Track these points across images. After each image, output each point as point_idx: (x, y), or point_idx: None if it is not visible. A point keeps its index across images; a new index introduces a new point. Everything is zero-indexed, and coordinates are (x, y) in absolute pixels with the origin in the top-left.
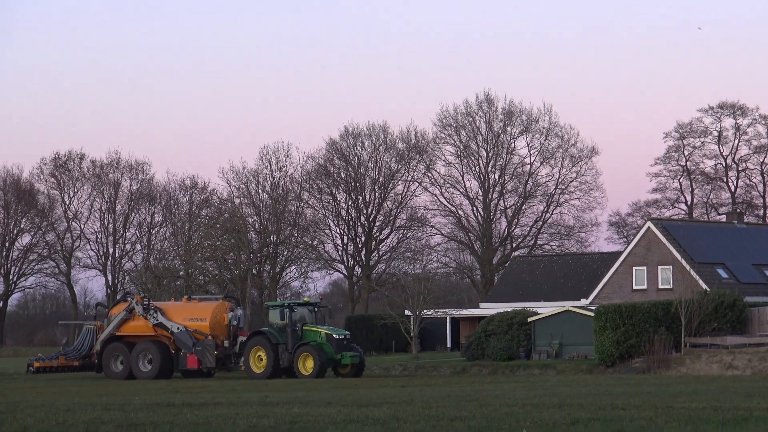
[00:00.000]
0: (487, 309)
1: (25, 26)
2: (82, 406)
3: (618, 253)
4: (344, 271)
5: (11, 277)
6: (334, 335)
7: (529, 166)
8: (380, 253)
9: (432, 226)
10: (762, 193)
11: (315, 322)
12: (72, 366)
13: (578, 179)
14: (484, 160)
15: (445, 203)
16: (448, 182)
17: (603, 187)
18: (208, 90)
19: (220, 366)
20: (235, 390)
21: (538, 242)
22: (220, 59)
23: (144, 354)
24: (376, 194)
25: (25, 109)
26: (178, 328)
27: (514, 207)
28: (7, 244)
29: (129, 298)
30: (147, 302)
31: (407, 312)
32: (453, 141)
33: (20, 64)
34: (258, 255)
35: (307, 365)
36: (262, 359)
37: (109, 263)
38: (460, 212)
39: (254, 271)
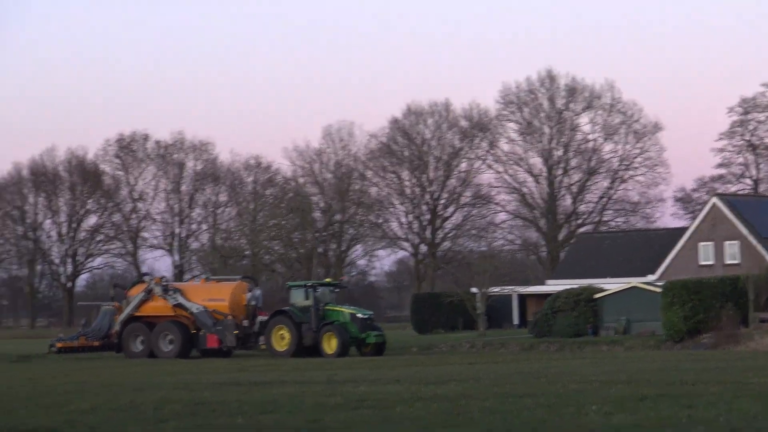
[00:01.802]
0: (554, 286)
1: (88, 9)
2: (150, 385)
3: (684, 229)
4: (410, 249)
5: (79, 257)
6: (359, 315)
7: (592, 143)
8: (445, 230)
9: (496, 204)
10: None
11: (335, 301)
12: (92, 346)
13: (642, 155)
14: (548, 137)
15: (509, 180)
16: (511, 159)
17: (667, 162)
18: (271, 70)
19: (240, 345)
20: (300, 369)
21: (604, 218)
22: (284, 38)
23: (165, 334)
24: (440, 172)
25: (90, 91)
26: (197, 309)
27: (578, 183)
28: (74, 225)
29: (147, 279)
30: (166, 283)
31: (473, 289)
32: (516, 118)
33: (84, 46)
34: (323, 234)
35: (331, 344)
36: (284, 338)
37: (175, 243)
38: (525, 189)
39: (320, 250)
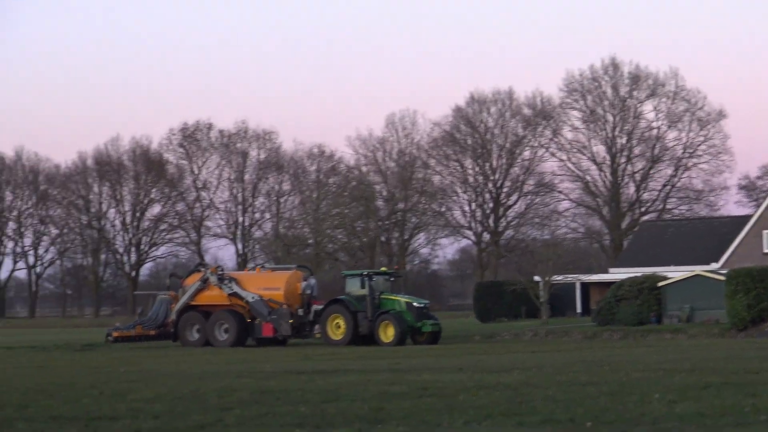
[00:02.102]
0: (617, 274)
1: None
2: (214, 374)
3: (748, 217)
4: (472, 238)
5: (143, 247)
6: (414, 304)
7: (656, 130)
8: (508, 219)
9: (560, 192)
10: None
11: (390, 290)
12: (149, 335)
13: (706, 143)
14: (611, 125)
15: (573, 168)
16: (574, 147)
17: (731, 150)
18: (334, 58)
19: (294, 334)
20: (362, 357)
21: (667, 206)
22: (346, 27)
23: (220, 323)
24: (503, 160)
25: (154, 80)
26: (252, 297)
27: (642, 171)
28: (138, 215)
29: (203, 269)
30: (221, 272)
31: (536, 278)
32: (579, 106)
33: (147, 36)
34: (386, 222)
35: (387, 333)
36: (340, 326)
37: (239, 232)
38: (588, 177)
39: (383, 239)
